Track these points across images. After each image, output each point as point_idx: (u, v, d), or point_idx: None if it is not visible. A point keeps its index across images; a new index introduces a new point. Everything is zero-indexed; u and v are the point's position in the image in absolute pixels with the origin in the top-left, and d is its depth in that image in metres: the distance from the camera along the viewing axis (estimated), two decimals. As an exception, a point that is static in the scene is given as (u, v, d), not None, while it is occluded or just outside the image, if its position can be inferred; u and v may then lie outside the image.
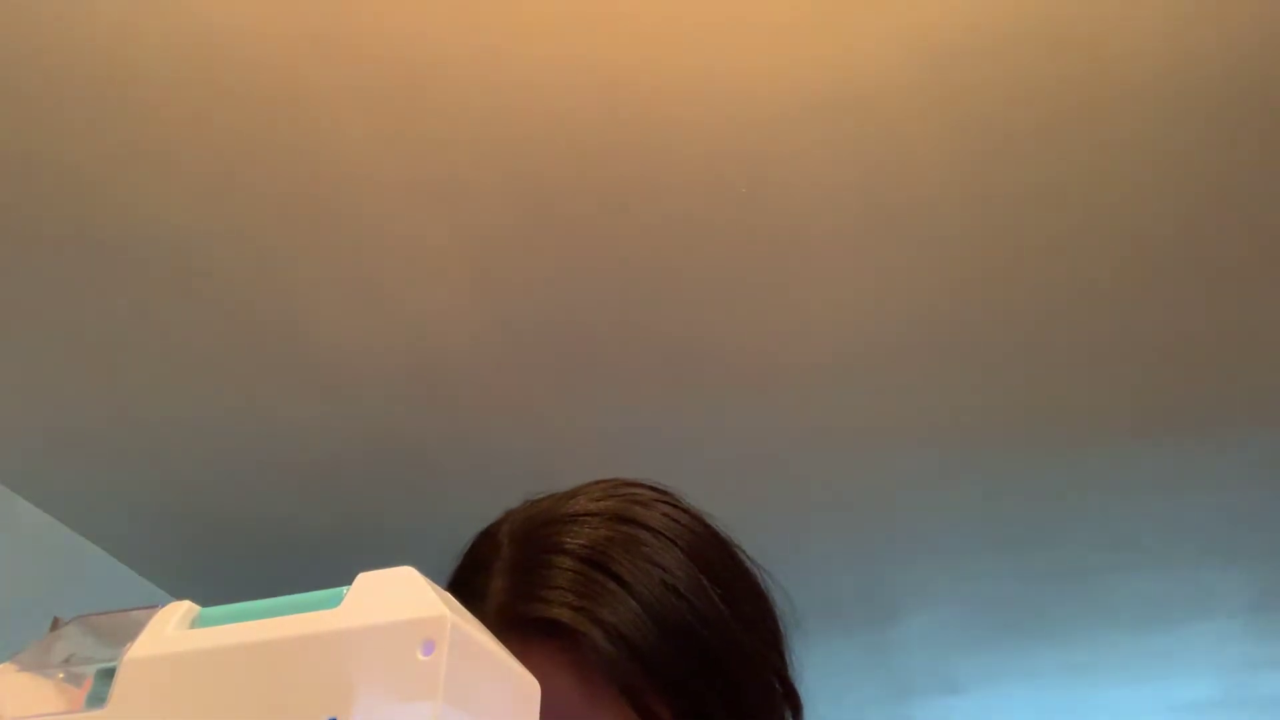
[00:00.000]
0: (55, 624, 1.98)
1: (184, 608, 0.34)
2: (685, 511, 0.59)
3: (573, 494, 0.60)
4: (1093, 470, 2.09)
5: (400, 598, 0.32)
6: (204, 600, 0.36)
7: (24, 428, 1.88)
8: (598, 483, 0.60)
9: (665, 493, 0.61)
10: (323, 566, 2.22)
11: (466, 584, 0.57)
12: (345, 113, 1.35)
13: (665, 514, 0.58)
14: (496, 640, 0.36)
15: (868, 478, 2.09)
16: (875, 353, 1.77)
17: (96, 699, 0.31)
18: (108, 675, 0.32)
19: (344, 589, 0.32)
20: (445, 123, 1.37)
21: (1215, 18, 1.25)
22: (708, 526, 0.60)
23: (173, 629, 0.33)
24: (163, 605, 0.35)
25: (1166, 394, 1.88)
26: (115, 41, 1.25)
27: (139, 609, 0.36)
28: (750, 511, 0.63)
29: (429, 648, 0.30)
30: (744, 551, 0.61)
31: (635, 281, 1.61)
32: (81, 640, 0.36)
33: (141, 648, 0.32)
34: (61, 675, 0.33)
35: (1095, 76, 1.32)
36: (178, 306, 1.63)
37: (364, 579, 0.33)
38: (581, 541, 0.55)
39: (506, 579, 0.55)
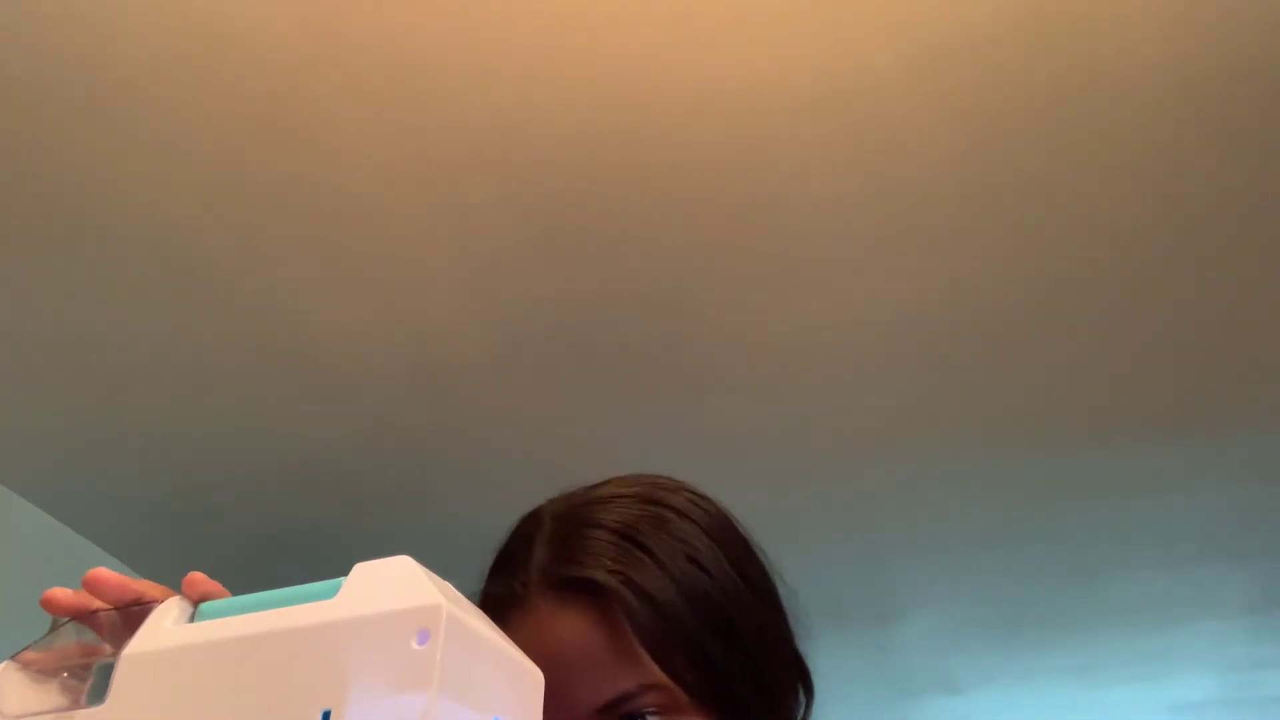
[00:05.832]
0: (55, 624, 1.98)
1: (182, 603, 0.34)
2: (704, 498, 0.68)
3: (604, 483, 0.68)
4: (1092, 469, 2.08)
5: (396, 587, 0.32)
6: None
7: (24, 428, 1.88)
8: (625, 475, 0.69)
9: (685, 484, 0.69)
10: (323, 566, 2.20)
11: (511, 556, 0.65)
12: (346, 113, 1.35)
13: (688, 499, 0.66)
14: (499, 630, 0.36)
15: (868, 478, 2.09)
16: (873, 353, 1.76)
17: (97, 694, 0.31)
18: (108, 671, 0.32)
19: (341, 580, 0.32)
20: (446, 123, 1.37)
21: (1212, 8, 1.25)
22: (724, 512, 0.68)
23: (171, 624, 0.33)
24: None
25: (1166, 392, 1.88)
26: (114, 38, 1.25)
27: (139, 605, 0.35)
28: (749, 511, 0.70)
29: (424, 637, 0.29)
30: (753, 538, 0.69)
31: (634, 282, 1.61)
32: (82, 637, 0.36)
33: (139, 643, 0.32)
34: (66, 673, 0.33)
35: (1090, 70, 1.32)
36: (178, 306, 1.63)
37: (361, 569, 0.33)
38: (615, 518, 0.62)
39: (548, 547, 0.62)
